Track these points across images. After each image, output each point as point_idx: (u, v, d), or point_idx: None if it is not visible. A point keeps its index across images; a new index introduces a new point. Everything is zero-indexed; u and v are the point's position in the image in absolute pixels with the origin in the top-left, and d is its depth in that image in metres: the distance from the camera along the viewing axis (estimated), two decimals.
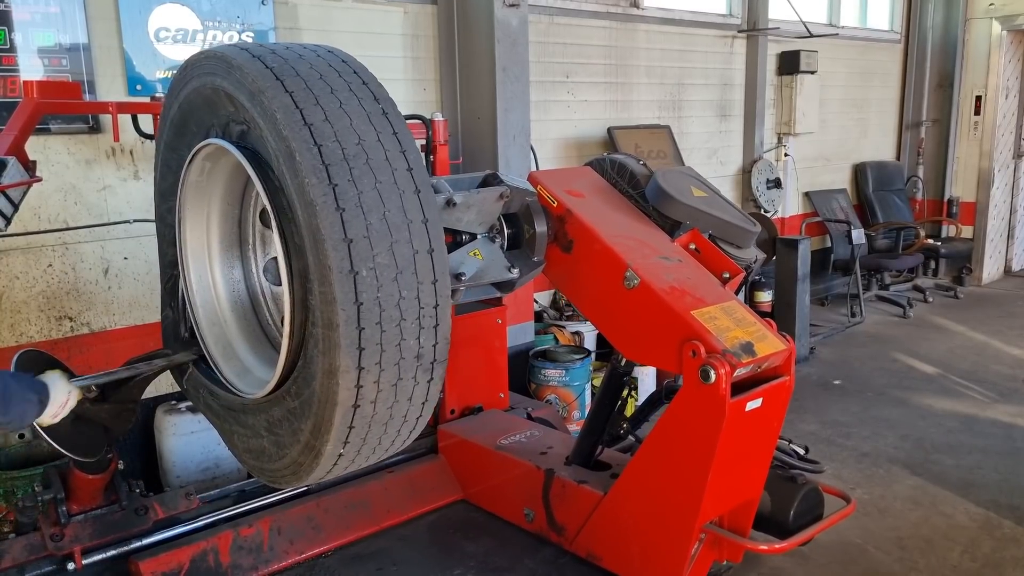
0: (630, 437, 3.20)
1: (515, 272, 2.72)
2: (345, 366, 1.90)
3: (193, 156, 2.31)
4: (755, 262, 2.99)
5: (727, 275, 2.84)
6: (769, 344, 2.59)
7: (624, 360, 3.05)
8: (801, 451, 3.16)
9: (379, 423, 2.06)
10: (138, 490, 3.05)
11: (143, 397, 2.69)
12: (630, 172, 3.11)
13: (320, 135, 1.89)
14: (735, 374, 2.43)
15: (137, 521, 2.93)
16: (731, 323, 2.60)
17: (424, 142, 3.72)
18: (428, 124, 3.72)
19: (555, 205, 2.90)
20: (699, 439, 2.52)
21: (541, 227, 2.85)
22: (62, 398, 2.28)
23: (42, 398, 2.22)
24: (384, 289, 1.90)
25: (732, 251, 2.92)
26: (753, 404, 2.54)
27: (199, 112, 2.32)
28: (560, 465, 3.19)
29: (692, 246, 2.91)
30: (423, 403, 2.16)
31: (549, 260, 2.92)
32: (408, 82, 4.76)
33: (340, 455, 2.07)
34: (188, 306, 2.51)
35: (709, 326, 2.53)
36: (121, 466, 2.96)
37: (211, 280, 2.54)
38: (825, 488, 3.00)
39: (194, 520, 3.05)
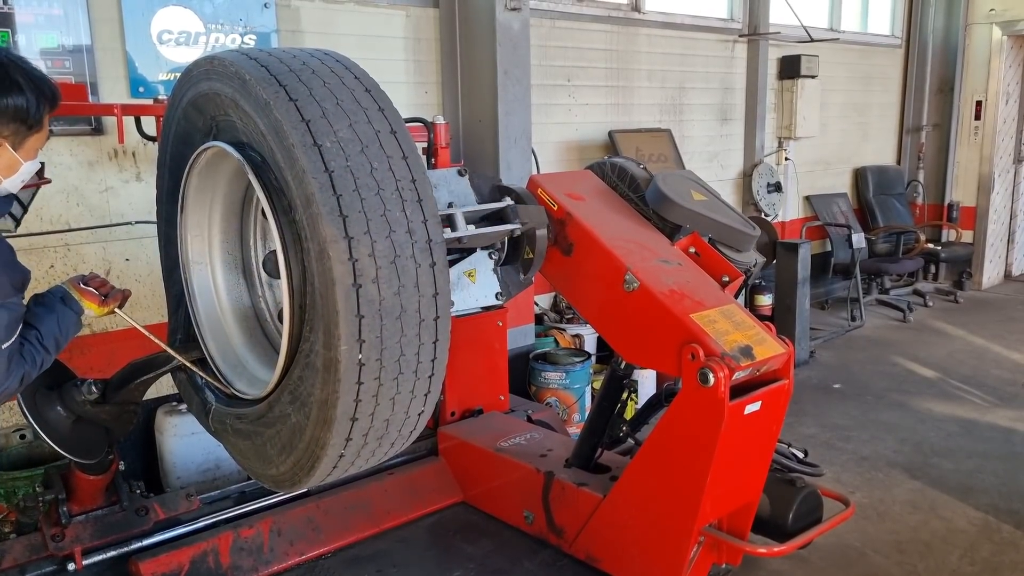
0: (630, 440, 3.21)
1: (501, 299, 2.89)
2: (332, 235, 1.83)
3: (184, 192, 2.40)
4: (755, 266, 3.00)
5: (726, 279, 2.85)
6: (768, 347, 2.60)
7: (624, 363, 3.06)
8: (800, 454, 3.17)
9: (390, 315, 1.92)
10: (139, 491, 3.06)
11: (144, 399, 2.70)
12: (630, 176, 3.12)
13: (284, 77, 1.98)
14: (734, 377, 2.44)
15: (138, 522, 2.93)
16: (730, 326, 2.61)
17: (426, 145, 3.73)
18: (430, 127, 3.73)
19: (556, 208, 2.92)
20: (698, 442, 2.53)
21: (540, 256, 2.90)
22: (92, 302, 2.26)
23: (75, 309, 2.22)
24: (352, 160, 1.90)
25: (731, 255, 2.93)
26: (752, 407, 2.55)
27: (185, 144, 2.39)
28: (560, 467, 3.20)
29: (692, 250, 2.92)
30: (434, 295, 2.01)
31: (549, 262, 2.93)
32: (410, 85, 4.77)
33: (360, 364, 1.91)
34: (200, 338, 2.54)
35: (708, 329, 2.54)
36: (122, 467, 2.97)
37: (221, 315, 2.58)
38: (824, 491, 3.01)
39: (194, 521, 3.06)
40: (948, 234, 8.61)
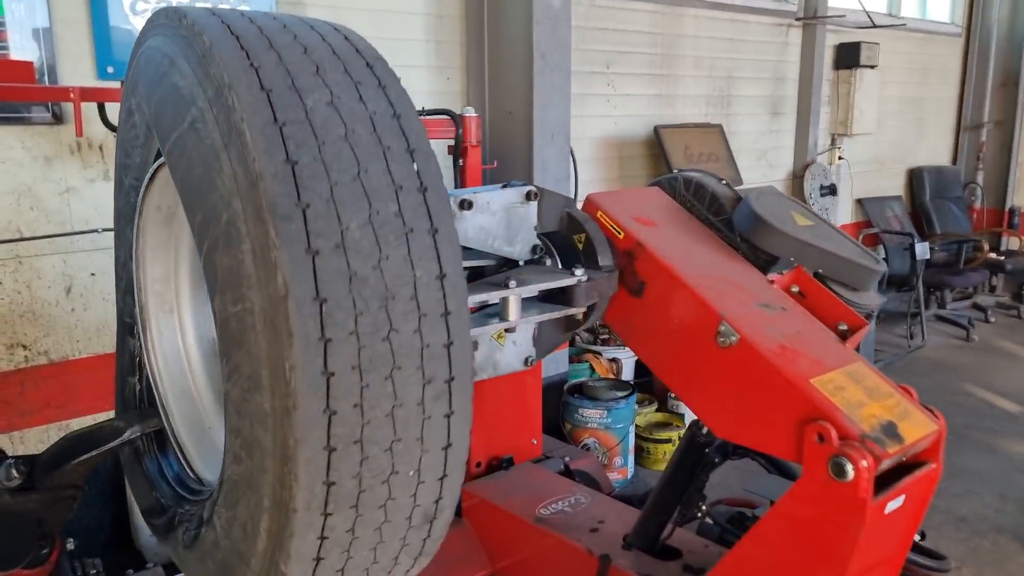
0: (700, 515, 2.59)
1: (530, 364, 2.08)
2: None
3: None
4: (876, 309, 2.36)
5: (844, 327, 2.22)
6: (916, 423, 1.95)
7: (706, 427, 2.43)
8: (917, 537, 2.55)
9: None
10: (94, 571, 2.48)
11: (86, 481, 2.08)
12: (711, 194, 2.47)
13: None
14: (879, 468, 1.81)
15: None
16: (862, 395, 1.97)
17: (452, 143, 3.10)
18: (458, 121, 3.08)
19: (621, 236, 2.26)
20: (824, 547, 1.90)
21: (595, 230, 2.17)
22: None
23: None
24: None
25: (848, 295, 2.29)
26: (894, 504, 1.93)
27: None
28: (617, 549, 2.57)
29: (795, 289, 2.29)
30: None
31: (613, 305, 2.29)
32: (430, 69, 4.14)
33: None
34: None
35: (836, 400, 1.90)
36: (70, 546, 2.38)
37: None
38: None
39: None
40: (1008, 242, 7.94)
